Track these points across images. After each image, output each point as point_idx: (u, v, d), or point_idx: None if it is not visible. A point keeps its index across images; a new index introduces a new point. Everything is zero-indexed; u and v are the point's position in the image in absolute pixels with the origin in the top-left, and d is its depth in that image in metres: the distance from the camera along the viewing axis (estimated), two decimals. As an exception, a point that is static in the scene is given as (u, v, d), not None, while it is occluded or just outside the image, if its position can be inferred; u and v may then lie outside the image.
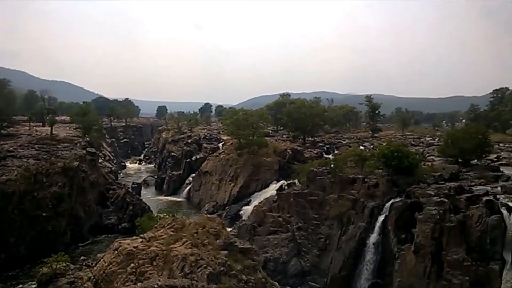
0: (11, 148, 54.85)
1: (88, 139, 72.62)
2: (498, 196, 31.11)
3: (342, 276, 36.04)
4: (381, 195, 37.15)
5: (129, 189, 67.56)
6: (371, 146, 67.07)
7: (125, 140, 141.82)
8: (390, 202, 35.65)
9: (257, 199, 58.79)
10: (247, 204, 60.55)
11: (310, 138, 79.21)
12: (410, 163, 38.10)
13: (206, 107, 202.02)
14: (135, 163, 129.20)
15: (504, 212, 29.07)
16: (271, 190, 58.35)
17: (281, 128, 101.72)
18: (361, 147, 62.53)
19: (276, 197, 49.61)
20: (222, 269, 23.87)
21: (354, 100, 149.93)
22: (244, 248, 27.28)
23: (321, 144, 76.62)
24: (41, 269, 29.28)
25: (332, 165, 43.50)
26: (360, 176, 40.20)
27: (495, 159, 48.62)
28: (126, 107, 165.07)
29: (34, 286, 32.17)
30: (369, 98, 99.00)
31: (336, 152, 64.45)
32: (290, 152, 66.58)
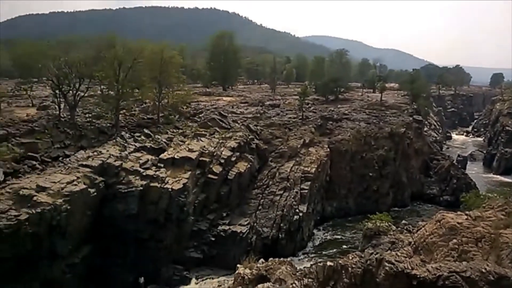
0: (346, 111, 61.32)
1: (415, 106, 72.39)
2: None
3: None
4: None
5: (454, 162, 63.98)
6: None
7: (452, 109, 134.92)
8: None
9: None
10: None
11: None
12: None
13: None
14: (462, 134, 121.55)
15: None
16: None
17: None
18: None
19: None
20: None
21: None
22: None
23: None
24: (366, 223, 31.86)
25: None
26: None
27: None
28: (456, 75, 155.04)
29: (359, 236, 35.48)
30: None
31: None
32: None
